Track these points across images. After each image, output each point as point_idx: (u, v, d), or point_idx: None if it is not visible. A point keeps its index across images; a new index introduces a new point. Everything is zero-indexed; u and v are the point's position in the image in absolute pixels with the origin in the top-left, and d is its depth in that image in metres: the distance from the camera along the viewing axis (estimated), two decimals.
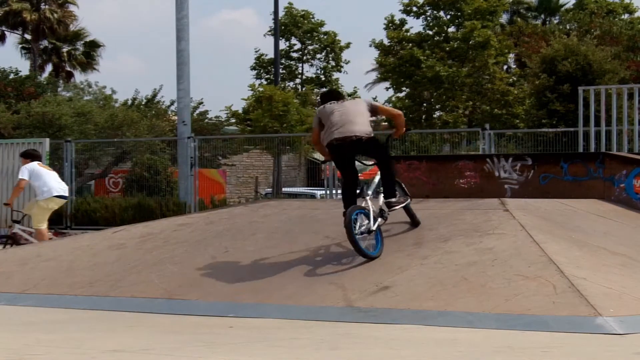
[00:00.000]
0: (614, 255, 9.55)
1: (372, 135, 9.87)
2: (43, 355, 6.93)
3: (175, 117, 27.92)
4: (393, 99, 40.03)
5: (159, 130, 31.58)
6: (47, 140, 23.87)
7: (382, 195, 9.98)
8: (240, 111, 37.19)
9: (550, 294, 8.14)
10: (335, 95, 10.55)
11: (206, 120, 36.49)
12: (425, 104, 39.38)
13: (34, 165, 15.72)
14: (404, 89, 39.29)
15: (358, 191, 9.98)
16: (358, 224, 9.55)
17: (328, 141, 9.93)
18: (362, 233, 9.59)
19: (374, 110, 10.12)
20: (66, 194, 15.74)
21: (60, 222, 23.75)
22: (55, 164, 26.06)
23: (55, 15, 49.08)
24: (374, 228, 9.68)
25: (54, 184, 15.57)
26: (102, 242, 11.99)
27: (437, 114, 38.94)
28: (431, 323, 8.07)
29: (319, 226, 10.99)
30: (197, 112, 36.24)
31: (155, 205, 23.21)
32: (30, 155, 16.08)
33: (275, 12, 36.46)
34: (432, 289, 8.70)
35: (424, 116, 38.82)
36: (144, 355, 6.97)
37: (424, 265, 9.25)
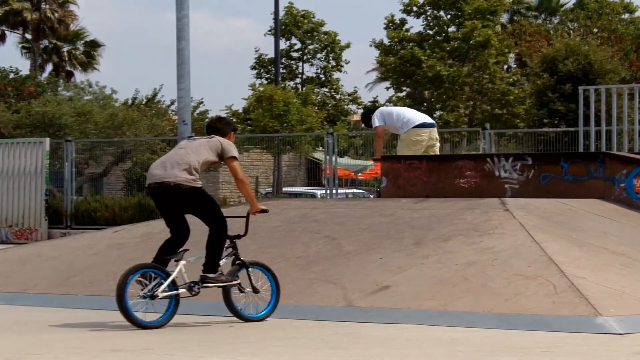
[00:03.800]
0: (614, 255, 9.55)
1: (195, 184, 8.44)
2: (43, 355, 6.93)
3: (176, 117, 27.91)
4: (393, 98, 40.03)
5: (159, 130, 31.57)
6: (47, 140, 23.89)
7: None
8: (240, 111, 37.19)
9: (550, 293, 8.14)
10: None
11: (206, 119, 36.49)
12: (425, 104, 39.35)
13: (382, 108, 14.15)
14: (404, 88, 39.28)
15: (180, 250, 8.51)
16: (149, 286, 8.20)
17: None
18: (144, 297, 8.20)
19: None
20: (429, 121, 13.85)
21: (60, 222, 23.78)
22: (56, 163, 26.09)
23: (56, 14, 49.08)
24: (158, 294, 8.23)
25: (410, 115, 13.77)
26: (102, 242, 11.98)
27: (437, 113, 38.91)
28: (431, 323, 8.07)
29: (319, 226, 10.98)
30: (198, 111, 36.24)
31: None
32: (371, 111, 14.25)
33: (276, 12, 36.45)
34: (432, 288, 8.70)
35: None
36: (144, 355, 6.97)
37: (424, 265, 9.24)
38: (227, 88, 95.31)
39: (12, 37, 51.33)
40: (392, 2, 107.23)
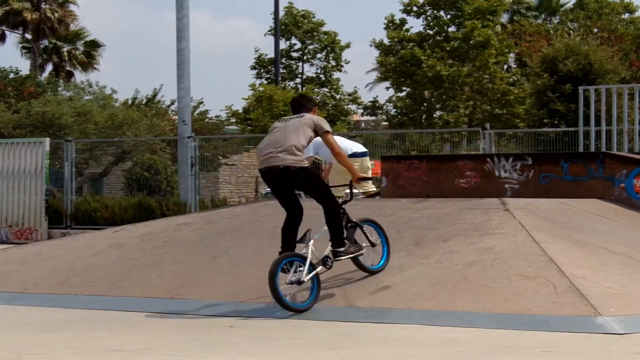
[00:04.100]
0: (614, 255, 9.54)
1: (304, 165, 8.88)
2: (43, 355, 6.93)
3: (176, 117, 27.92)
4: (393, 98, 40.06)
5: (159, 130, 31.57)
6: (47, 140, 23.89)
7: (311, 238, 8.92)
8: (240, 111, 37.20)
9: (550, 293, 8.14)
10: (293, 105, 9.45)
11: (206, 119, 36.49)
12: (425, 104, 39.39)
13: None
14: (404, 88, 39.31)
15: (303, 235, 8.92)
16: (290, 272, 8.63)
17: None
18: (291, 283, 8.66)
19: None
20: (362, 150, 14.08)
21: (60, 222, 23.78)
22: (56, 163, 26.09)
23: (56, 14, 49.10)
24: (304, 279, 8.67)
25: (344, 144, 13.84)
26: (102, 242, 11.99)
27: (437, 113, 38.94)
28: (431, 323, 8.07)
29: (319, 226, 10.96)
30: (198, 111, 36.24)
31: (155, 204, 23.21)
32: None
33: (276, 12, 36.47)
34: (432, 288, 8.70)
35: (424, 116, 38.84)
36: (144, 355, 6.97)
37: (425, 265, 9.24)
38: (227, 88, 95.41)
39: (12, 37, 51.39)
40: (392, 2, 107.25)
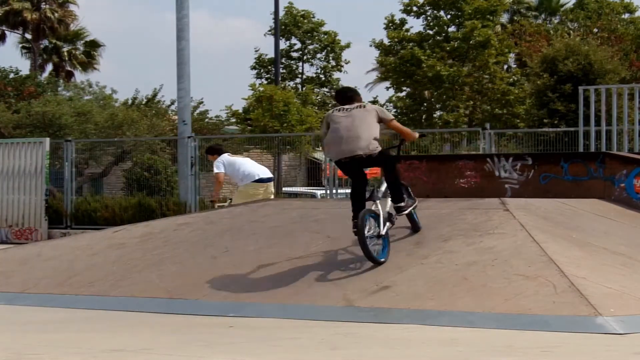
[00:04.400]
0: (614, 255, 9.55)
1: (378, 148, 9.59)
2: (43, 355, 6.93)
3: (176, 117, 27.92)
4: (393, 98, 40.03)
5: (159, 130, 31.58)
6: (47, 139, 23.89)
7: (389, 199, 9.72)
8: (240, 111, 37.19)
9: (550, 293, 8.14)
10: (343, 96, 10.12)
11: (206, 119, 36.50)
12: (425, 104, 39.38)
13: (225, 156, 14.93)
14: (404, 88, 39.28)
15: (368, 194, 9.72)
16: (367, 227, 9.30)
17: (336, 158, 9.71)
18: (371, 237, 9.36)
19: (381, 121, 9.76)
20: (268, 176, 14.88)
21: (60, 222, 23.79)
22: (56, 163, 26.10)
23: (56, 14, 49.09)
24: (383, 232, 9.45)
25: (252, 169, 14.82)
26: (102, 242, 11.99)
27: (437, 113, 38.92)
28: (432, 323, 8.07)
29: (319, 226, 10.98)
30: (198, 111, 36.25)
31: (155, 204, 23.21)
32: (216, 150, 15.27)
33: (276, 12, 36.47)
34: (432, 288, 8.70)
35: (424, 116, 38.82)
36: (144, 355, 6.97)
37: (425, 265, 9.25)
38: (227, 88, 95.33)
39: (12, 37, 51.39)
40: (392, 2, 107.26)
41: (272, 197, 14.72)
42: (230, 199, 15.46)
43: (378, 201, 9.64)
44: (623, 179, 12.26)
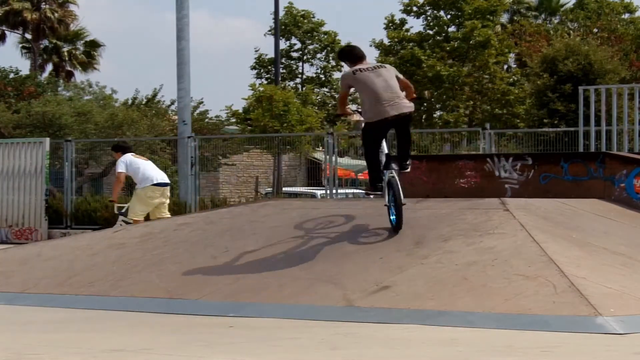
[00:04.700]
0: (614, 255, 9.54)
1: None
2: (43, 355, 6.93)
3: (176, 117, 27.92)
4: None
5: (159, 130, 31.58)
6: (47, 139, 23.90)
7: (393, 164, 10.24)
8: (240, 111, 37.19)
9: (550, 293, 8.14)
10: (358, 55, 10.34)
11: (206, 119, 36.49)
12: (425, 104, 39.39)
13: (128, 156, 15.29)
14: None
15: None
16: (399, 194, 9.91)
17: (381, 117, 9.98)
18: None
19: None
20: (165, 181, 15.29)
21: (60, 222, 23.78)
22: (56, 163, 26.11)
23: (56, 14, 49.10)
24: (404, 201, 10.01)
25: (151, 172, 15.17)
26: (102, 242, 11.98)
27: (437, 113, 38.93)
28: (431, 323, 8.06)
29: (319, 226, 10.97)
30: (198, 111, 36.24)
31: None
32: (122, 148, 15.63)
33: (276, 12, 36.48)
34: (432, 288, 8.70)
35: (424, 116, 38.82)
36: (144, 355, 6.96)
37: (424, 265, 9.24)
38: (227, 88, 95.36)
39: (12, 37, 51.40)
40: (392, 2, 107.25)
41: (168, 201, 15.30)
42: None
43: (394, 171, 10.14)
44: (623, 179, 12.26)
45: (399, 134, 10.28)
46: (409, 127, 10.37)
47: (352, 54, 10.36)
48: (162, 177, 15.34)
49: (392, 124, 10.03)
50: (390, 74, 10.07)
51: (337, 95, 43.70)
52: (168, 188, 15.36)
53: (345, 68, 10.59)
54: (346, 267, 9.50)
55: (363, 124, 10.36)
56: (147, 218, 15.06)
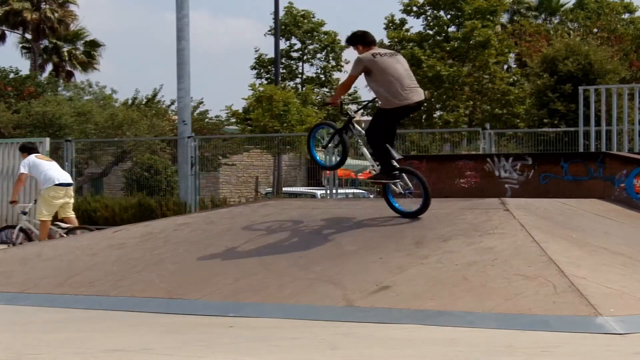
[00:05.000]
0: (614, 255, 9.54)
1: None
2: (43, 355, 6.93)
3: (176, 117, 27.93)
4: None
5: (159, 130, 31.59)
6: (48, 139, 23.87)
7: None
8: (240, 111, 37.20)
9: (550, 293, 8.14)
10: (370, 39, 10.45)
11: (206, 119, 36.50)
12: (425, 104, 39.39)
13: (32, 157, 15.71)
14: None
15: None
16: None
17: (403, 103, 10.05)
18: (401, 194, 10.40)
19: None
20: (67, 181, 15.61)
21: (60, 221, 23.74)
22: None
23: (56, 14, 49.11)
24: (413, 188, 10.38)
25: (53, 173, 15.51)
26: (102, 242, 11.98)
27: (437, 113, 38.94)
28: (431, 323, 8.06)
29: (319, 226, 10.98)
30: (198, 111, 36.26)
31: (155, 204, 23.21)
32: (27, 149, 16.06)
33: (276, 12, 36.50)
34: (432, 288, 8.70)
35: (424, 116, 38.83)
36: (144, 355, 6.96)
37: (424, 265, 9.24)
38: (227, 88, 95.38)
39: (12, 37, 51.41)
40: (392, 2, 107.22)
41: (72, 201, 15.63)
42: (36, 200, 16.17)
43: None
44: (623, 179, 12.26)
45: (398, 122, 10.58)
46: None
47: (365, 38, 10.28)
48: (65, 177, 15.73)
49: (413, 109, 10.28)
50: (404, 60, 10.30)
51: None
52: (71, 188, 15.74)
53: (353, 54, 10.78)
54: (346, 267, 9.50)
55: (376, 110, 10.40)
56: (55, 219, 15.57)
